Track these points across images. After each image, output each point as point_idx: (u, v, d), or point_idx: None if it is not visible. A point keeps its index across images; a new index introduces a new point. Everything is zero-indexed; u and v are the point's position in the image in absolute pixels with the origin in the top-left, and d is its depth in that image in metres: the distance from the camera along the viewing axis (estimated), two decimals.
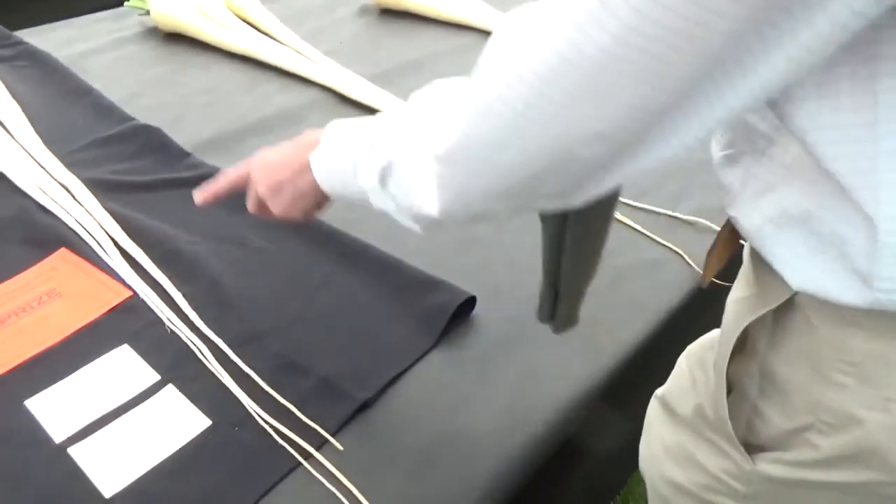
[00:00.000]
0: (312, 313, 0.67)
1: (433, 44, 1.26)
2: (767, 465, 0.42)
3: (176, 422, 0.57)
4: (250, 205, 0.58)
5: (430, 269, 0.71)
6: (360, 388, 0.59)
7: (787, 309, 0.39)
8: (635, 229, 0.78)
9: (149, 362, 0.62)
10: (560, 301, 0.53)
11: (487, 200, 0.39)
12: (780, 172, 0.36)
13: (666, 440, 0.51)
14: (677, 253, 0.74)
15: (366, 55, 1.21)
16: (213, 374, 0.60)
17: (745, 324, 0.41)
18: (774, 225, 0.37)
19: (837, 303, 0.35)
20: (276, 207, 0.55)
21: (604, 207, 0.47)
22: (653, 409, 0.55)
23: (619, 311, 0.68)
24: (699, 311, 0.74)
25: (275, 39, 1.23)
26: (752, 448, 0.43)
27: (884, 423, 0.36)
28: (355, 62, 1.16)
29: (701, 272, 0.71)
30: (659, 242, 0.76)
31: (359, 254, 0.73)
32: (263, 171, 0.55)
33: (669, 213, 0.81)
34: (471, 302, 0.67)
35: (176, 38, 1.26)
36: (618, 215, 0.80)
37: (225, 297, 0.69)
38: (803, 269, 0.36)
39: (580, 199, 0.37)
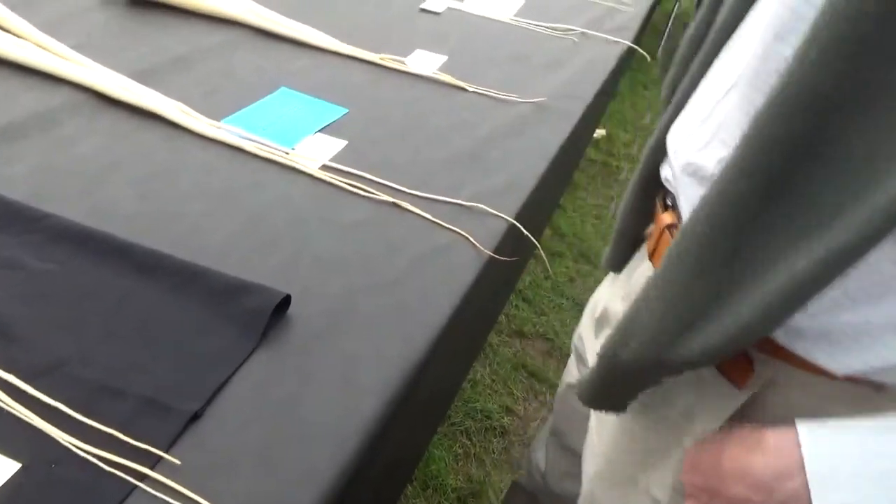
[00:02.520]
0: (116, 333, 0.64)
1: (197, 38, 1.21)
2: None
3: None
4: None
5: (237, 273, 0.71)
6: (186, 400, 0.58)
7: None
8: (425, 218, 0.86)
9: None
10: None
11: None
12: None
13: None
14: (463, 236, 0.84)
15: (122, 50, 1.13)
16: (9, 413, 0.55)
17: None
18: None
19: None
20: None
21: None
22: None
23: (421, 294, 0.75)
24: (488, 284, 0.84)
25: (5, 30, 1.09)
26: None
27: None
28: (110, 58, 1.08)
29: (485, 250, 0.82)
30: (447, 228, 0.85)
31: (158, 265, 0.70)
32: None
33: (452, 200, 0.90)
34: (286, 301, 0.69)
35: None
36: (406, 206, 0.87)
37: (3, 328, 0.62)
38: None
39: None
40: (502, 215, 0.89)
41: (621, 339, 0.52)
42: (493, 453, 1.42)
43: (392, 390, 0.65)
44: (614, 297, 0.69)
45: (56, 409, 0.56)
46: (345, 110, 1.07)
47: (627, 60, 1.63)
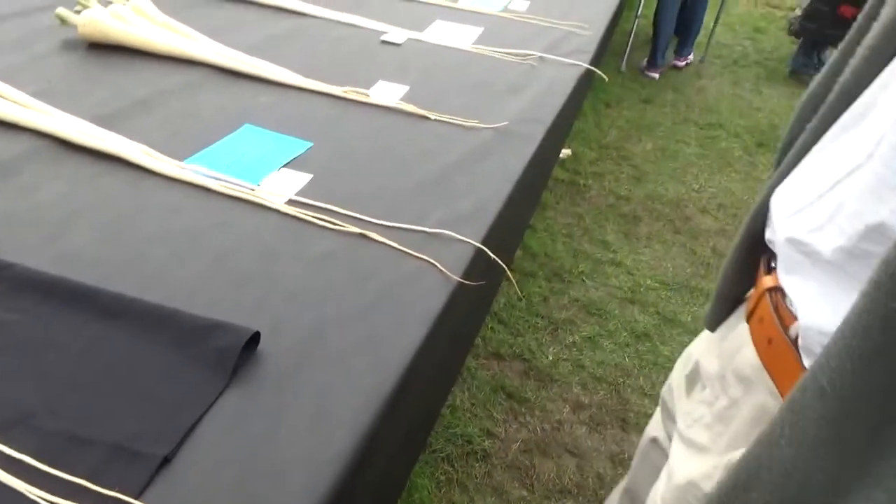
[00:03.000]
0: (83, 381, 0.63)
1: (158, 80, 1.21)
2: None
3: None
4: None
5: (207, 312, 0.71)
6: (156, 445, 0.58)
7: None
8: (393, 247, 0.87)
9: None
10: None
11: None
12: None
13: None
14: (431, 263, 0.85)
15: (83, 95, 1.13)
16: None
17: None
18: None
19: None
20: None
21: None
22: None
23: (392, 323, 0.76)
24: (460, 308, 0.85)
25: None
26: None
27: None
28: (71, 104, 1.08)
29: (453, 276, 0.83)
30: (415, 256, 0.86)
31: (125, 310, 0.70)
32: None
33: (419, 228, 0.91)
34: (255, 338, 0.69)
35: None
36: (374, 236, 0.88)
37: None
38: None
39: None
40: (469, 240, 0.90)
41: (735, 491, 0.46)
42: (476, 478, 1.42)
43: (366, 422, 0.65)
44: (708, 353, 0.67)
45: (23, 462, 0.55)
46: (309, 144, 1.08)
47: (587, 81, 1.67)
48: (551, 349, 1.75)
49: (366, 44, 1.53)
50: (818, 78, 0.58)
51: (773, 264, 0.57)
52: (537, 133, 1.24)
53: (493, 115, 1.26)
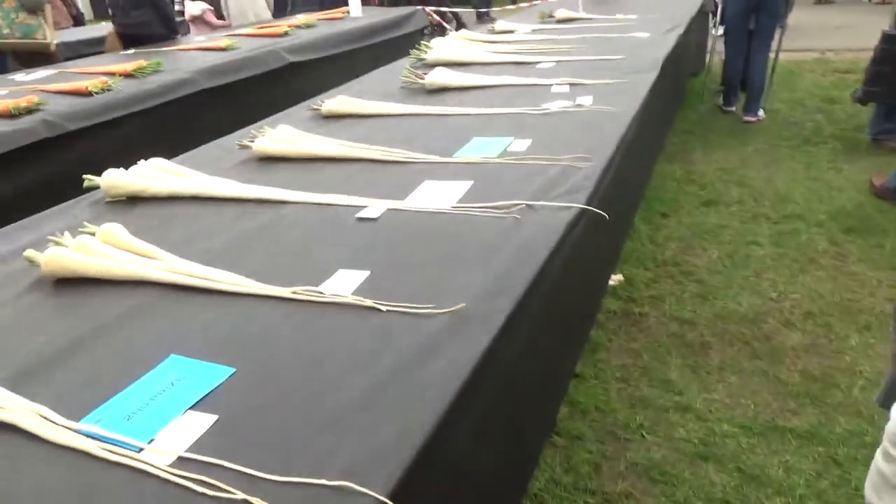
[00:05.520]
0: None
1: (104, 312, 1.16)
2: None
3: None
4: None
5: None
6: None
7: None
8: None
9: None
10: None
11: None
12: None
13: None
14: None
15: (23, 341, 1.08)
16: None
17: None
18: None
19: None
20: None
21: None
22: None
23: None
24: None
25: None
26: None
27: None
28: (3, 357, 1.03)
29: None
30: None
31: None
32: None
33: (314, 481, 0.74)
34: None
35: None
36: (257, 502, 0.72)
37: None
38: None
39: None
40: (373, 494, 0.72)
41: None
42: None
43: None
44: None
45: None
46: (230, 371, 0.96)
47: (600, 221, 1.49)
48: None
49: (340, 225, 1.45)
50: None
51: None
52: (503, 308, 1.07)
53: (456, 294, 1.10)
